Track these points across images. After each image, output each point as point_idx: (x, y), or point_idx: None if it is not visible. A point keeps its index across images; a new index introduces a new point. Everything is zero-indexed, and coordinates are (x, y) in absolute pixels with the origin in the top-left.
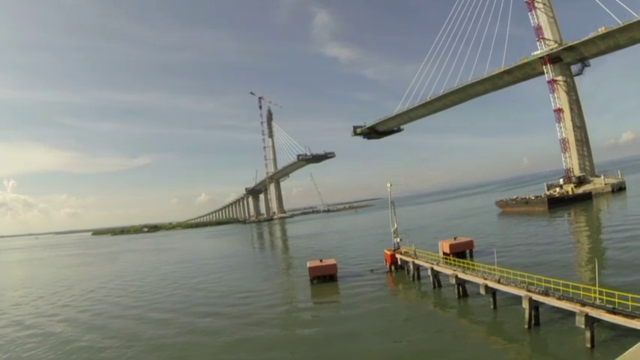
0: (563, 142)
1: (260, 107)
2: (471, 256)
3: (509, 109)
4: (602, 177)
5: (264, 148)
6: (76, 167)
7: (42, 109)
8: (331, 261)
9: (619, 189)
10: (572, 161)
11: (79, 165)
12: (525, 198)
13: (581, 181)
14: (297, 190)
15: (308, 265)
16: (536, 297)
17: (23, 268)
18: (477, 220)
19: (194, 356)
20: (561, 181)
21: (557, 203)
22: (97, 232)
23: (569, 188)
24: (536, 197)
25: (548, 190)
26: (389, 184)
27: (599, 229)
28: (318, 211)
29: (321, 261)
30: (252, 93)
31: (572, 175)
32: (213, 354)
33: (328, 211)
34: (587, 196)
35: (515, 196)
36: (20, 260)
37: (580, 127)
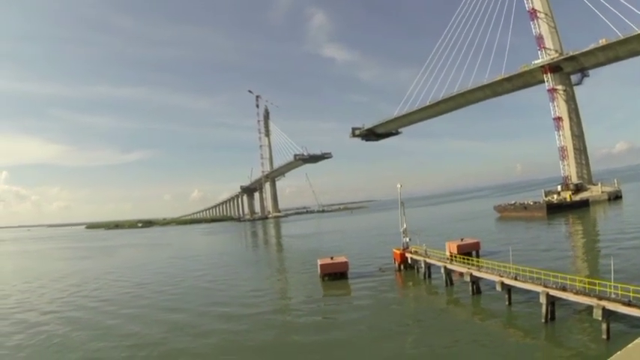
0: (562, 150)
1: (257, 106)
2: (477, 256)
3: (503, 115)
4: (600, 185)
5: (261, 146)
6: (68, 160)
7: (34, 101)
8: (342, 259)
9: (615, 197)
10: (570, 169)
11: (72, 158)
12: (524, 203)
13: (578, 189)
14: (289, 189)
15: (319, 263)
16: (553, 292)
17: (21, 260)
18: (476, 224)
19: None
20: (559, 188)
21: (555, 209)
22: (91, 226)
23: (567, 195)
24: (535, 203)
25: (546, 196)
26: (399, 185)
27: (600, 234)
28: (312, 211)
29: (331, 258)
30: (250, 91)
31: (570, 182)
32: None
33: (323, 211)
34: (585, 204)
35: (513, 202)
36: (17, 252)
37: (578, 136)
